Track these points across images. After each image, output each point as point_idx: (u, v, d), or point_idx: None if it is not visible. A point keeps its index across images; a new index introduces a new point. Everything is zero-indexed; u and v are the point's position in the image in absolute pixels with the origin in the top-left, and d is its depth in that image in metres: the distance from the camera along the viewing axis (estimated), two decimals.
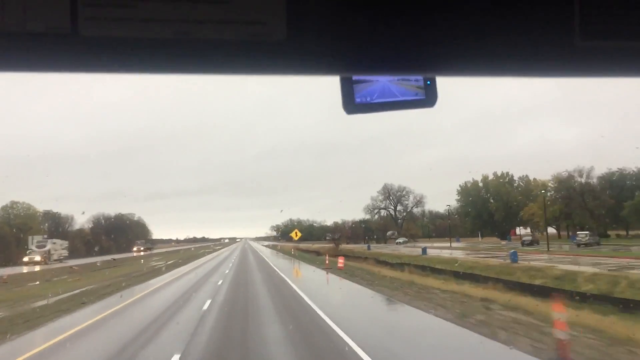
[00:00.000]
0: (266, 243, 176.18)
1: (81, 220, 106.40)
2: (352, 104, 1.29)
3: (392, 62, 1.02)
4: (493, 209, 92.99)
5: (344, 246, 76.83)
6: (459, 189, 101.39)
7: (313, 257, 57.52)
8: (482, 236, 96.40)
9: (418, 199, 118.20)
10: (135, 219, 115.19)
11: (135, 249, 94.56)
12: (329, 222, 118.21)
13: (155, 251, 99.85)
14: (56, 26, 0.91)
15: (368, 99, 1.29)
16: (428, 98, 1.33)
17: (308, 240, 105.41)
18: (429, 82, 1.33)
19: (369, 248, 72.37)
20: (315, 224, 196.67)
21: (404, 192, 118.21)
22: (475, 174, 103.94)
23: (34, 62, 0.95)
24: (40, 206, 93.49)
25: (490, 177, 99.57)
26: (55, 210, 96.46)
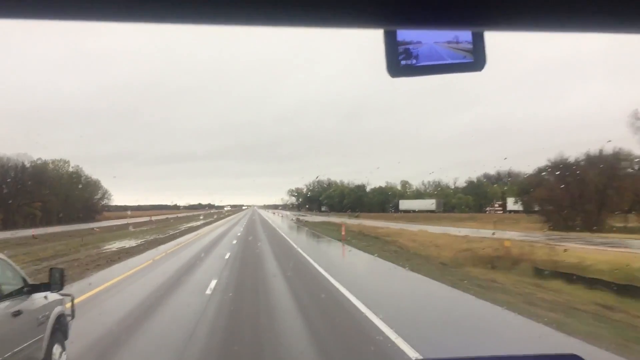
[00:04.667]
0: (283, 214, 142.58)
1: None
2: (397, 66, 1.20)
3: (440, 13, 0.93)
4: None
5: None
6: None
7: None
8: None
9: None
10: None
11: None
12: None
13: None
14: None
15: (414, 62, 1.21)
16: (476, 61, 1.23)
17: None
18: (477, 44, 1.21)
19: None
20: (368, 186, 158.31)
21: None
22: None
23: (33, 8, 0.83)
24: None
25: None
26: None
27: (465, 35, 1.22)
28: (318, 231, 46.63)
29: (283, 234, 43.64)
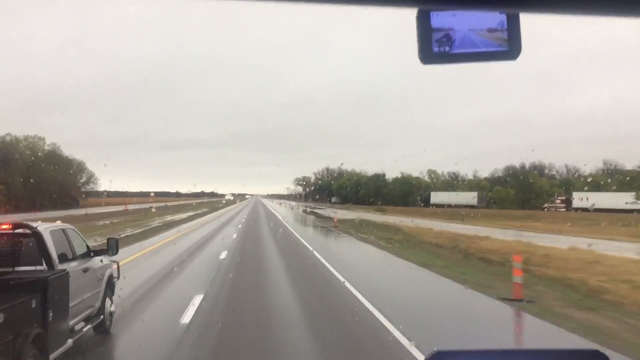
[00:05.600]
0: (291, 204, 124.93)
1: None
2: (430, 53, 1.17)
3: None
4: None
5: None
6: None
7: None
8: None
9: None
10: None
11: None
12: None
13: None
14: None
15: (447, 49, 1.18)
16: (511, 50, 1.20)
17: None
18: (512, 32, 1.19)
19: None
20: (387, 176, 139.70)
21: None
22: None
23: None
24: None
25: None
26: None
27: (500, 22, 1.17)
28: (387, 247, 26.60)
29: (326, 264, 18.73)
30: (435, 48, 1.17)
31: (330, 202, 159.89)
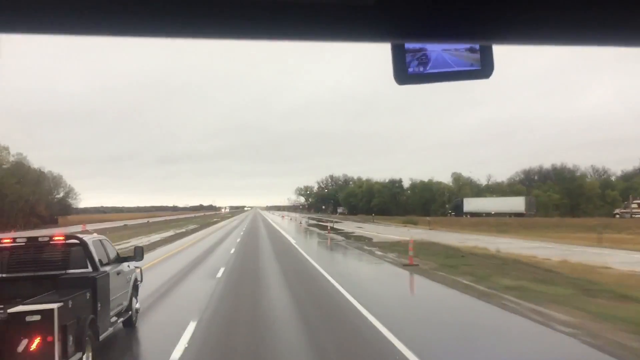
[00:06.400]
0: (295, 217, 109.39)
1: None
2: (405, 74, 1.20)
3: (448, 28, 0.95)
4: None
5: None
6: None
7: None
8: None
9: None
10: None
11: None
12: None
13: None
14: None
15: (421, 69, 1.22)
16: (484, 68, 1.23)
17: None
18: (484, 52, 1.22)
19: None
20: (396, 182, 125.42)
21: None
22: None
23: (36, 23, 0.83)
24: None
25: None
26: None
27: (472, 45, 1.20)
28: None
29: None
30: (410, 69, 1.19)
31: (337, 212, 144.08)
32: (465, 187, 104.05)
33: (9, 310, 5.80)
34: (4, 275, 7.66)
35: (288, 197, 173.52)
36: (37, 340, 5.67)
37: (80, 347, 6.44)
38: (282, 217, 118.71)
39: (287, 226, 63.40)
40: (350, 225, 59.41)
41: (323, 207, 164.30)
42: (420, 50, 1.19)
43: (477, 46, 1.20)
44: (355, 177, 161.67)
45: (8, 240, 7.88)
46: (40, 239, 7.90)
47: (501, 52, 1.23)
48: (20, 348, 5.61)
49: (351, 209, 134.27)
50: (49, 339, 5.71)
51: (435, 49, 1.19)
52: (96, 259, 7.94)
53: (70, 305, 6.21)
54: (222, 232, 50.98)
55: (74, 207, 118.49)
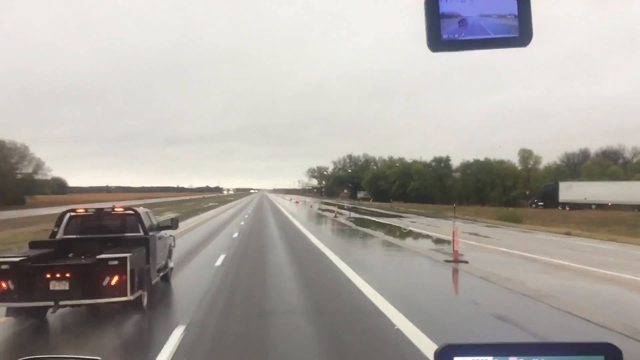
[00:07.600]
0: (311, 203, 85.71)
1: None
2: (439, 41, 1.16)
3: None
4: None
5: None
6: None
7: None
8: None
9: None
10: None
11: None
12: None
13: None
14: None
15: (456, 35, 1.16)
16: (522, 36, 1.17)
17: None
18: (523, 18, 1.17)
19: None
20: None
21: None
22: None
23: None
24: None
25: None
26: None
27: (510, 8, 1.15)
28: None
29: None
30: (444, 35, 1.15)
31: (356, 197, 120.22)
32: (540, 169, 79.10)
33: (98, 257, 8.31)
34: (78, 235, 10.36)
35: (298, 179, 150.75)
36: (115, 278, 8.15)
37: (141, 286, 8.92)
38: (295, 202, 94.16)
39: (306, 221, 39.20)
40: (434, 229, 35.30)
41: (345, 191, 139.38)
42: (455, 15, 1.13)
43: (515, 12, 1.13)
44: (377, 158, 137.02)
45: (82, 210, 10.67)
46: (105, 210, 10.76)
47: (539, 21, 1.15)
48: (105, 283, 8.13)
49: (378, 193, 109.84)
50: (124, 277, 8.19)
51: (471, 14, 1.13)
52: (146, 226, 10.62)
53: (135, 256, 8.60)
54: (216, 221, 27.33)
55: (70, 185, 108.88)
